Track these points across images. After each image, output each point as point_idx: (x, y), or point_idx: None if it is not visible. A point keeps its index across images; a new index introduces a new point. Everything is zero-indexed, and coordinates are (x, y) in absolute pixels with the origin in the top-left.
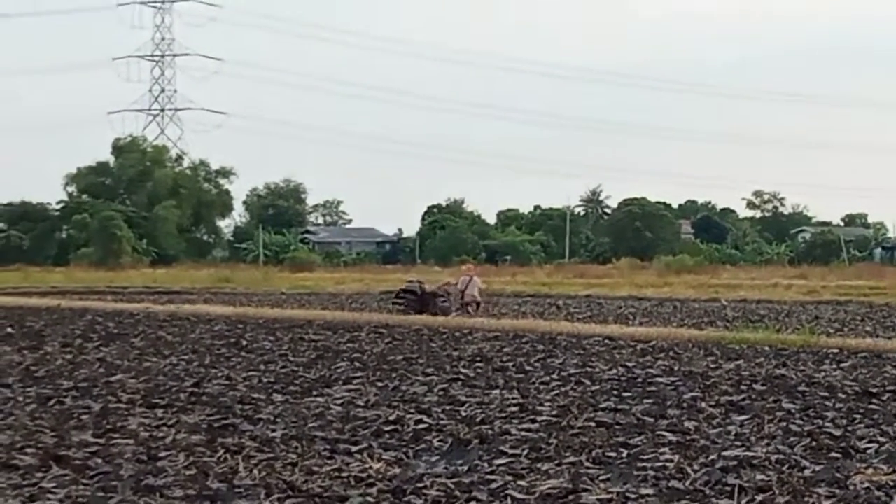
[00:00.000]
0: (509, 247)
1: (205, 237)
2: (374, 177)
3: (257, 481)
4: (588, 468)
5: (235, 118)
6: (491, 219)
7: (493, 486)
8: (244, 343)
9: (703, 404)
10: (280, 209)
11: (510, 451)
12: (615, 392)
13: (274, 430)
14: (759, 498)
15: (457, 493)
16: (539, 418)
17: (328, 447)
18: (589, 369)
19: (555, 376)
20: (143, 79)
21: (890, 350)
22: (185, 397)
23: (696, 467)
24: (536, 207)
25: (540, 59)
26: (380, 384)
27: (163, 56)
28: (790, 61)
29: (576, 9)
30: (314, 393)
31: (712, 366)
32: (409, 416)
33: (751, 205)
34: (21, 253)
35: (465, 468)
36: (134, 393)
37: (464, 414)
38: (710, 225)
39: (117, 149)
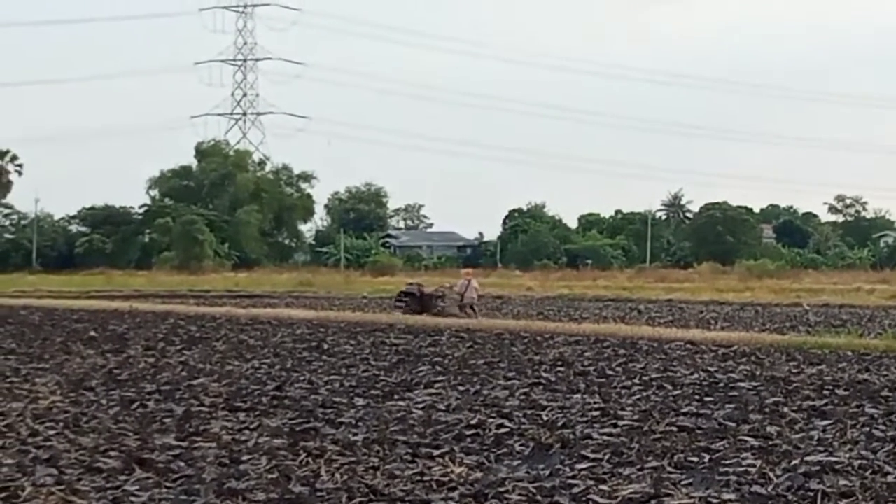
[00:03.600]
0: (590, 251)
1: (286, 241)
2: (456, 181)
3: (339, 485)
4: (670, 473)
5: (317, 122)
6: (572, 223)
7: (575, 490)
8: (326, 347)
9: (786, 409)
10: (361, 213)
11: (592, 456)
12: (697, 397)
13: (356, 434)
14: (841, 503)
15: (538, 497)
16: (621, 423)
17: (410, 451)
18: (670, 374)
19: (636, 381)
20: (226, 83)
21: None
22: (267, 401)
23: (778, 472)
24: (618, 212)
25: (622, 63)
26: (461, 388)
27: (245, 60)
28: (873, 65)
29: (655, 12)
30: (395, 397)
31: (794, 371)
32: (490, 420)
33: (833, 209)
34: (104, 257)
35: (547, 472)
36: (216, 396)
37: (545, 418)
38: (792, 229)
39: (200, 153)
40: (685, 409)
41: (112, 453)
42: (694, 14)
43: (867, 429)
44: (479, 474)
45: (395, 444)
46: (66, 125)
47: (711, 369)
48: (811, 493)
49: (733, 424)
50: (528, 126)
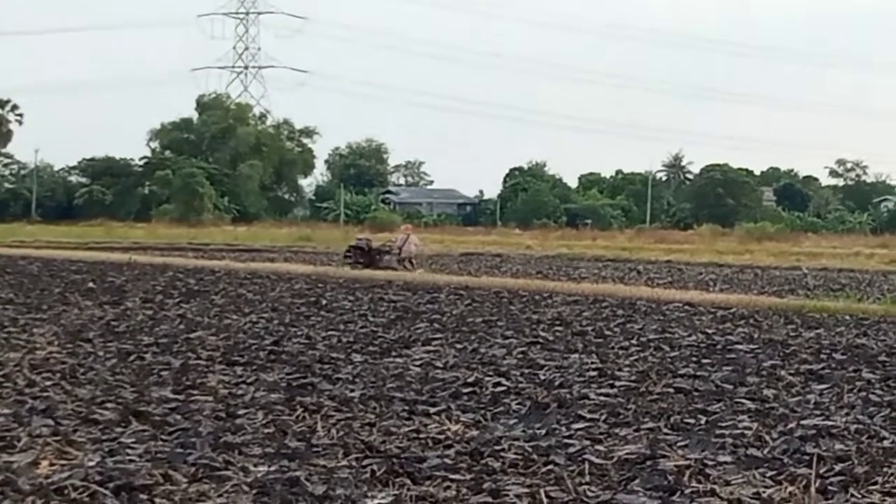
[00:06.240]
0: (590, 210)
1: (286, 196)
2: (457, 138)
3: (335, 441)
4: (666, 434)
5: (319, 77)
6: (572, 182)
7: (571, 450)
8: (324, 302)
9: (783, 372)
10: (362, 169)
11: (588, 416)
12: (694, 358)
13: (352, 390)
14: (837, 467)
15: (534, 456)
16: (618, 383)
17: (406, 408)
18: (668, 335)
19: (634, 341)
20: (228, 36)
21: None
22: (264, 355)
23: (774, 435)
24: (618, 172)
25: (625, 23)
26: (459, 346)
27: (247, 13)
28: (877, 29)
29: None
30: (393, 353)
31: (792, 334)
32: (487, 378)
33: (833, 173)
34: (104, 208)
35: (543, 432)
36: (214, 350)
37: (542, 377)
38: (793, 192)
39: (201, 105)
40: (682, 371)
41: (108, 405)
42: None
43: (864, 393)
44: (475, 432)
45: (392, 400)
46: (68, 75)
47: (709, 331)
48: (807, 457)
49: (730, 387)
50: (530, 85)
